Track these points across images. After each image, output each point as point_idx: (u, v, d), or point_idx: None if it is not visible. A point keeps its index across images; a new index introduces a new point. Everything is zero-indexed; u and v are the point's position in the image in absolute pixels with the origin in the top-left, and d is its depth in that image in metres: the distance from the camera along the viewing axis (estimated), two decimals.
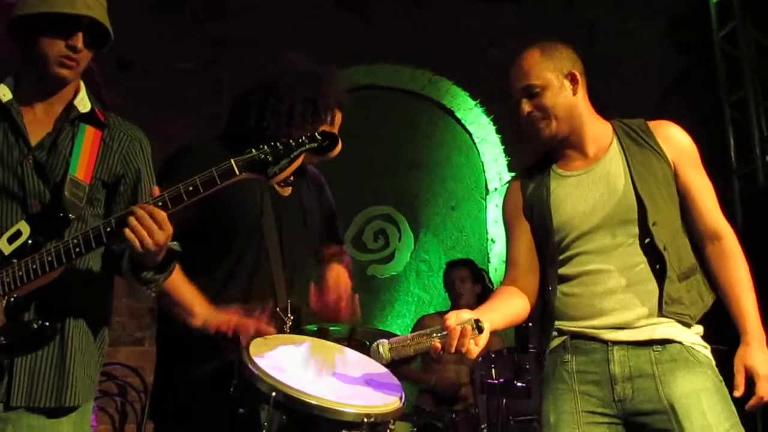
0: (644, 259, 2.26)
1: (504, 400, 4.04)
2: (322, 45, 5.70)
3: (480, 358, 3.99)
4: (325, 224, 2.72)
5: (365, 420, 2.01)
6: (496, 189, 6.24)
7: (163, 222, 1.89)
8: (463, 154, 6.45)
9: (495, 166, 6.28)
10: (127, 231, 1.87)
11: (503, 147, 6.14)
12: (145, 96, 5.42)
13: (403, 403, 2.18)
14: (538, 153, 2.52)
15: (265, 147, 1.92)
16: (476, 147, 6.42)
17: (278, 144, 1.93)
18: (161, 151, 2.32)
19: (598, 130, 2.41)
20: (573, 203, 2.35)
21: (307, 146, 1.94)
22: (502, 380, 4.04)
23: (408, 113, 6.41)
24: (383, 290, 6.20)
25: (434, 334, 2.10)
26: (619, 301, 2.25)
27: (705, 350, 2.26)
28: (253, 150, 1.92)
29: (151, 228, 1.87)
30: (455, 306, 4.92)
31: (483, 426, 4.16)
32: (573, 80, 2.38)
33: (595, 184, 2.34)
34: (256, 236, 2.47)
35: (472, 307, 2.27)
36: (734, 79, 6.23)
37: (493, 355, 4.09)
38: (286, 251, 2.52)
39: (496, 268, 6.08)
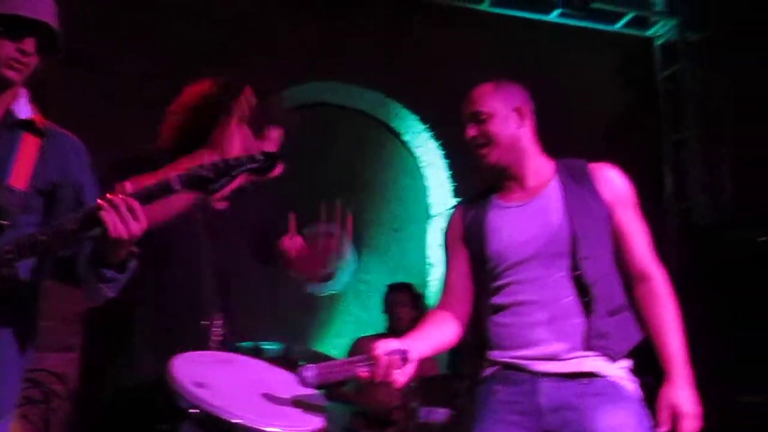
0: (573, 292, 2.30)
1: None
2: (277, 58, 5.67)
3: (412, 383, 3.97)
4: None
5: None
6: (438, 214, 6.26)
7: (139, 212, 1.86)
8: (410, 176, 6.46)
9: (440, 191, 6.30)
10: (103, 213, 1.83)
11: (450, 173, 6.18)
12: (107, 97, 5.31)
13: (325, 426, 2.17)
14: (484, 182, 2.58)
15: (207, 164, 1.91)
16: (422, 171, 6.45)
17: (219, 162, 1.92)
18: (123, 152, 2.30)
19: (540, 166, 2.47)
20: (509, 233, 2.39)
21: (248, 166, 1.93)
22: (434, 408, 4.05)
23: (357, 132, 6.39)
24: (322, 309, 6.15)
25: (362, 363, 2.16)
26: (546, 333, 2.29)
27: (632, 384, 2.30)
28: (195, 166, 1.90)
29: (126, 216, 1.85)
30: (391, 327, 5.01)
31: None
32: (520, 114, 2.45)
33: (531, 217, 2.39)
34: (185, 248, 2.45)
35: (408, 330, 2.36)
36: (676, 118, 6.43)
37: (426, 381, 4.09)
38: (217, 266, 2.49)
39: (434, 291, 6.08)
